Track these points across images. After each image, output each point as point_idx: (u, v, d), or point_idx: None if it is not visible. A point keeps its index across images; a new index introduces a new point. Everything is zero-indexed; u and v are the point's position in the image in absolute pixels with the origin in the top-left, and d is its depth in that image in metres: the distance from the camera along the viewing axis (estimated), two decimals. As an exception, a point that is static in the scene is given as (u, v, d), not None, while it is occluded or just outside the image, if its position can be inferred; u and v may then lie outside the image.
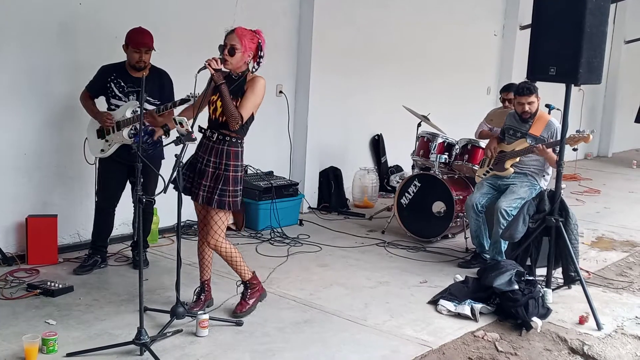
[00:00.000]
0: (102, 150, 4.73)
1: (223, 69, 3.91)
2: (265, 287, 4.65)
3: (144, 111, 4.60)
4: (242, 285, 4.25)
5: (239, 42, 3.87)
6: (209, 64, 3.79)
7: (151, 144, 4.77)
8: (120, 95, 4.71)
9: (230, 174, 3.97)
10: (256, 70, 4.03)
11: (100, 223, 4.95)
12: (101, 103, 4.79)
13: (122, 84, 4.71)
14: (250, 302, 4.21)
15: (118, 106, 4.72)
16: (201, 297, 4.27)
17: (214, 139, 3.97)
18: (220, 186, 3.95)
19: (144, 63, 4.68)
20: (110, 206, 4.92)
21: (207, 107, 4.02)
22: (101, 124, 4.70)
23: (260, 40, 3.96)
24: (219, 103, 3.91)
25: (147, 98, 4.69)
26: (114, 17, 5.26)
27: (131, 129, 4.69)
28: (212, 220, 4.01)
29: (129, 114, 4.67)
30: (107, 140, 4.72)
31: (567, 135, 4.80)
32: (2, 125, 4.86)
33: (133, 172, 4.82)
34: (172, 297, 4.02)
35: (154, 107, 4.63)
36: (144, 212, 4.85)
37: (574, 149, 5.12)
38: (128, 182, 4.90)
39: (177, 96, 4.70)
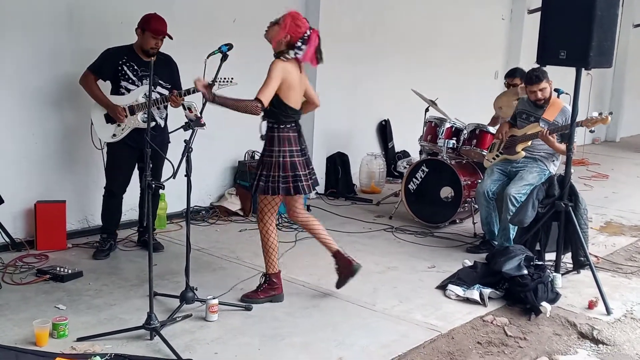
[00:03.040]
0: (114, 135, 4.73)
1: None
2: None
3: (168, 94, 4.63)
4: (263, 277, 4.24)
5: (282, 19, 3.92)
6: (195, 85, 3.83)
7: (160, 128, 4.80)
8: (134, 78, 4.70)
9: (264, 159, 4.05)
10: (288, 57, 3.96)
11: (112, 208, 4.96)
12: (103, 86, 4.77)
13: (136, 67, 4.70)
14: (262, 296, 4.17)
15: (128, 90, 4.70)
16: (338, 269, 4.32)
17: None
18: (258, 172, 4.07)
19: (158, 49, 4.69)
20: (122, 191, 4.92)
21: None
22: (114, 118, 4.68)
23: (306, 34, 3.92)
24: None
25: (159, 82, 4.70)
26: (120, 3, 5.24)
27: (144, 113, 4.70)
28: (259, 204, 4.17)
29: (141, 99, 4.67)
30: (119, 125, 4.71)
31: (584, 118, 4.77)
32: (10, 110, 4.86)
33: (143, 157, 4.86)
34: (182, 282, 4.02)
35: (166, 91, 4.67)
36: (153, 196, 4.87)
37: (591, 131, 5.10)
38: (136, 166, 4.91)
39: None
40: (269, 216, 4.15)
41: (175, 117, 4.54)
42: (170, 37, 4.69)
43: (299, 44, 3.93)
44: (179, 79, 4.86)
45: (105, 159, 4.86)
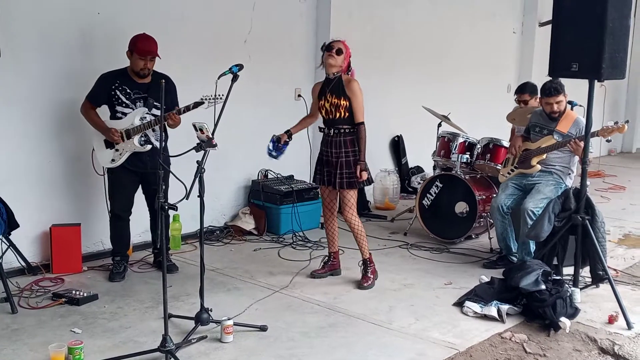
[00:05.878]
0: (113, 160, 4.74)
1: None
2: (288, 292, 4.65)
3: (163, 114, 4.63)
4: (362, 262, 4.93)
5: (344, 47, 4.67)
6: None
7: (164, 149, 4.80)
8: (127, 102, 4.70)
9: (344, 159, 4.67)
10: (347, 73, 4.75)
11: (120, 231, 4.98)
12: (102, 111, 4.81)
13: (129, 90, 4.70)
14: (372, 277, 4.88)
15: (124, 113, 4.71)
16: (327, 264, 5.07)
17: (331, 134, 4.71)
18: (344, 171, 4.68)
19: (148, 70, 4.70)
20: (127, 213, 4.94)
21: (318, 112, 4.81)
22: (108, 139, 4.70)
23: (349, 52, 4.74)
24: (327, 105, 4.67)
25: (154, 103, 4.70)
26: (131, 26, 5.26)
27: (141, 136, 4.71)
28: (345, 199, 4.76)
29: (137, 122, 4.68)
30: (117, 150, 4.73)
31: (600, 127, 4.73)
32: (24, 133, 4.90)
33: (145, 179, 4.88)
34: (196, 303, 4.01)
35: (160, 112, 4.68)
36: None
37: (608, 140, 5.05)
38: (140, 190, 4.94)
39: (182, 101, 4.70)
40: (353, 209, 4.79)
41: (188, 138, 4.54)
42: (159, 56, 4.68)
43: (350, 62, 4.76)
44: (174, 99, 4.82)
45: (107, 184, 4.89)
